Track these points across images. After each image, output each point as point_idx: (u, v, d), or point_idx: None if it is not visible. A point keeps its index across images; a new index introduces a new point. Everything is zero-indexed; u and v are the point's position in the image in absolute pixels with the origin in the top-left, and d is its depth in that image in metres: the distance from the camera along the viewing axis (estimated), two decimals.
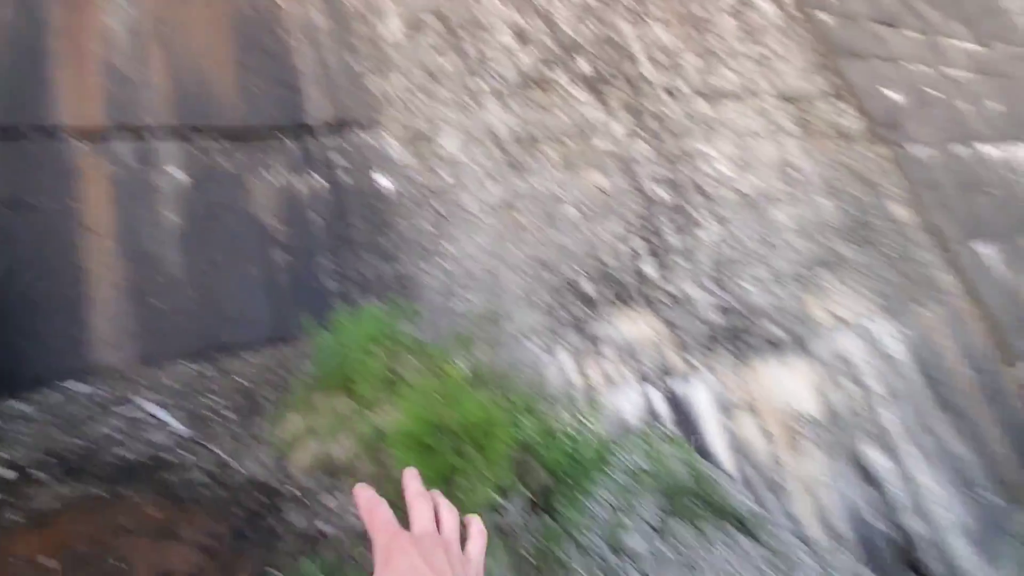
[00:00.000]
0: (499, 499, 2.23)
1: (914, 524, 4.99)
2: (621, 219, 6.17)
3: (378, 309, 2.21)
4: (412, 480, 0.52)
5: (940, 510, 5.18)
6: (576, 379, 4.23)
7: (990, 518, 5.38)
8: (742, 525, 3.74)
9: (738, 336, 5.81)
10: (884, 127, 7.40)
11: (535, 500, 2.26)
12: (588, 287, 5.23)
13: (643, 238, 6.21)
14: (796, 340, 6.03)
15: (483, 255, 4.99)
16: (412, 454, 1.86)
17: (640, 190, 5.97)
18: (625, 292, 5.41)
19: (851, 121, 7.41)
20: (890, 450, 5.18)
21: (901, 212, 7.31)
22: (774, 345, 5.84)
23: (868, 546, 4.67)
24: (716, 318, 5.71)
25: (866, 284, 6.45)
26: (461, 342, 2.89)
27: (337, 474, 1.86)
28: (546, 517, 2.29)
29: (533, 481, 2.27)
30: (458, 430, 1.98)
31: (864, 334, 6.05)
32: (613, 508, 3.37)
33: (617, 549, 3.09)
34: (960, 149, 8.05)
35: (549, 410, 2.46)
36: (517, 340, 4.30)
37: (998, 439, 5.94)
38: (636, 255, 6.05)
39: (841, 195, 6.88)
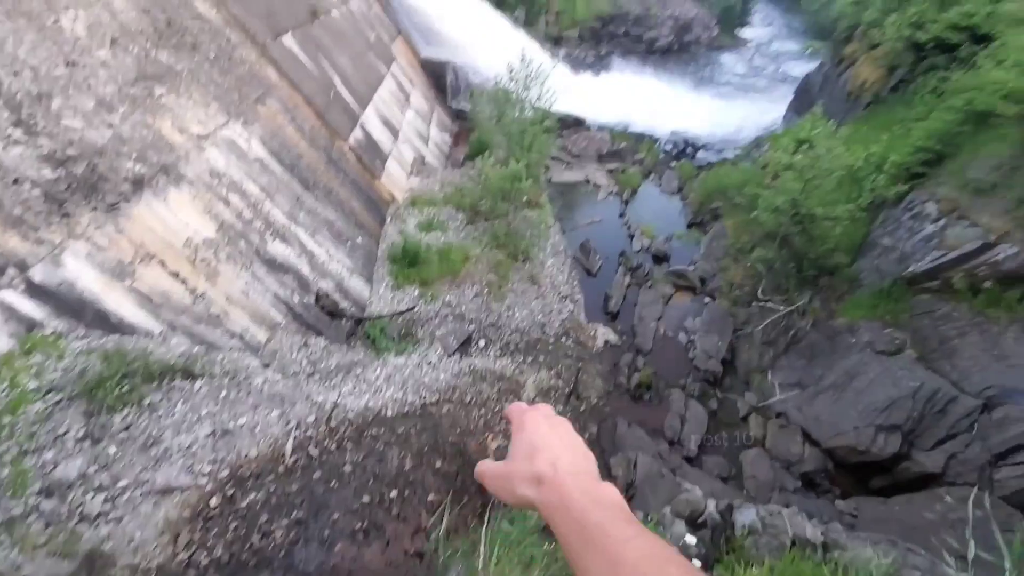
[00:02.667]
0: None
1: (324, 284, 6.21)
2: None
3: None
4: (517, 404, 0.82)
5: (335, 265, 6.61)
6: None
7: (363, 255, 7.29)
8: (188, 372, 3.69)
9: (93, 186, 4.85)
10: None
11: None
12: None
13: None
14: (164, 170, 5.57)
15: None
16: None
17: None
18: None
19: None
20: (284, 238, 5.97)
21: (208, 11, 7.14)
22: (141, 183, 5.23)
23: (300, 319, 5.58)
24: (48, 173, 4.48)
25: (205, 92, 6.33)
26: None
27: None
28: None
29: None
30: None
31: (224, 143, 6.18)
32: (19, 452, 2.64)
33: (50, 491, 2.52)
34: None
35: None
36: None
37: (349, 196, 7.75)
38: None
39: None
